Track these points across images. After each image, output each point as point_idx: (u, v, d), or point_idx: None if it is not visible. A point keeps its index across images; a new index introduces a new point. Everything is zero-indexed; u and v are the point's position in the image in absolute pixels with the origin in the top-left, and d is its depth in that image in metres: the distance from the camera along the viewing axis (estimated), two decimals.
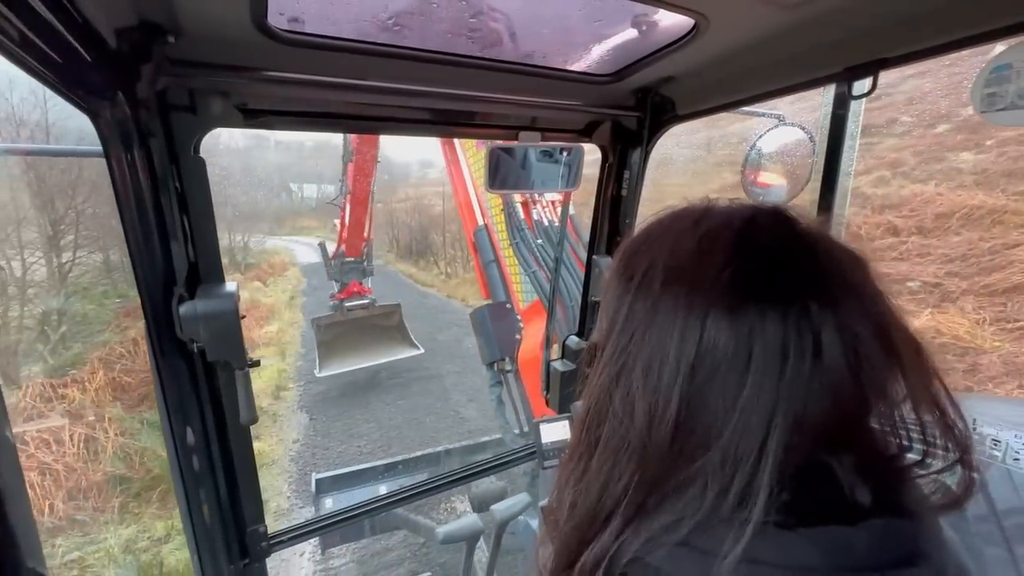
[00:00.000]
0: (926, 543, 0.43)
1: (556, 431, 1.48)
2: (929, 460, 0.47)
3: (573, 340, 1.75)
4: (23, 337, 7.77)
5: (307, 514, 5.45)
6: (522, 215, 3.61)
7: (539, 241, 3.53)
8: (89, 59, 0.75)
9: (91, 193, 8.94)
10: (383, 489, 4.44)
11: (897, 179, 8.43)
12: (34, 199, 8.52)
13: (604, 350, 0.53)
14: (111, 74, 0.81)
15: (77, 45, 0.71)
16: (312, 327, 8.07)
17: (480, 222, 4.03)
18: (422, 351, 8.26)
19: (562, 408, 1.70)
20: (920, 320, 5.67)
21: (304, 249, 26.70)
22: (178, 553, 5.14)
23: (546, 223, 3.60)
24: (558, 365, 1.74)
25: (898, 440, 0.47)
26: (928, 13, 0.82)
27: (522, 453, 1.79)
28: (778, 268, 0.45)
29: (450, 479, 1.62)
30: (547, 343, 1.98)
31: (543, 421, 1.48)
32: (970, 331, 5.52)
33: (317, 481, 4.47)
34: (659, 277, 0.49)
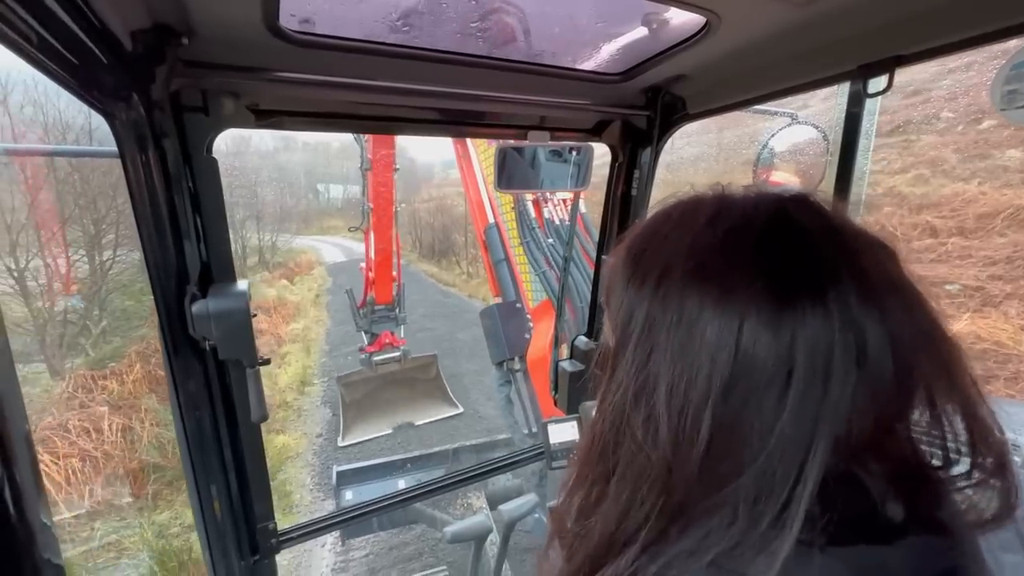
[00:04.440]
0: (965, 562, 0.40)
1: (564, 432, 1.47)
2: (964, 471, 0.43)
3: (582, 340, 1.73)
4: (67, 331, 8.11)
5: (329, 506, 5.56)
6: (533, 214, 3.58)
7: (550, 240, 3.49)
8: (105, 61, 0.76)
9: None
10: (401, 483, 4.53)
11: (937, 177, 8.06)
12: (78, 199, 8.80)
13: (617, 366, 0.47)
14: (126, 76, 0.83)
15: (94, 48, 0.73)
16: (337, 386, 7.11)
17: (491, 220, 4.03)
18: (461, 410, 7.24)
19: (571, 409, 1.69)
20: (959, 325, 5.43)
21: (330, 248, 27.25)
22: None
23: (557, 222, 3.55)
24: (567, 365, 1.73)
25: (931, 451, 0.44)
26: (945, 8, 0.78)
27: (530, 453, 1.78)
28: (815, 263, 0.40)
29: (457, 479, 1.63)
30: (556, 343, 1.97)
31: (551, 422, 1.47)
32: (1013, 337, 5.24)
33: (338, 473, 4.58)
34: (679, 281, 0.43)
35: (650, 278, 0.46)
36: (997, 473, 0.42)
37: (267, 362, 1.13)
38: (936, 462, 0.44)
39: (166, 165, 0.95)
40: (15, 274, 7.90)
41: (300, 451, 7.20)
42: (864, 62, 0.92)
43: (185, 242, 1.01)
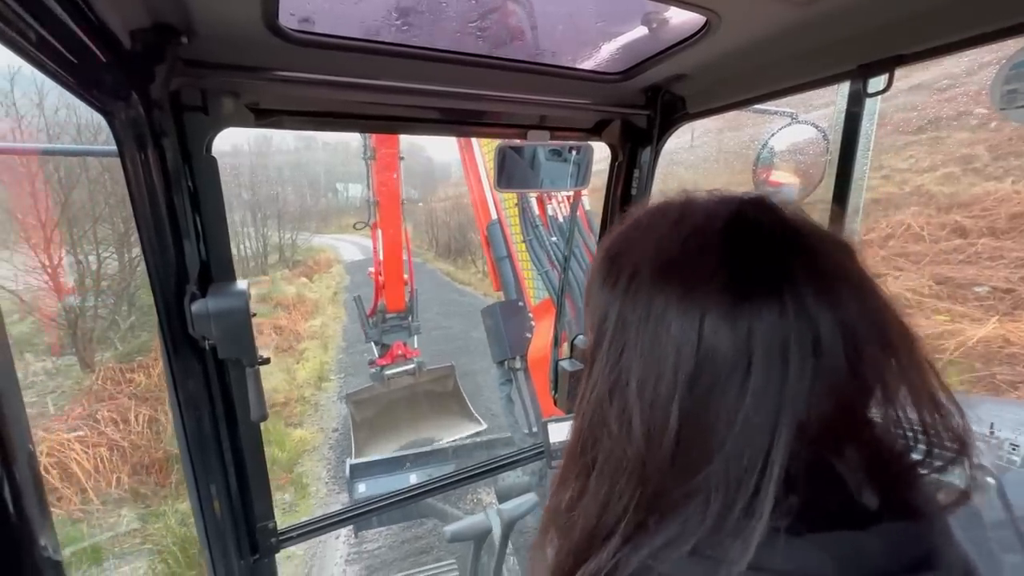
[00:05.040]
0: (939, 545, 0.41)
1: (564, 431, 1.46)
2: (931, 459, 0.45)
3: (581, 340, 1.71)
4: (97, 326, 8.39)
5: (343, 499, 5.71)
6: (536, 211, 3.54)
7: (553, 239, 3.45)
8: (104, 60, 0.77)
9: None
10: (412, 478, 4.58)
11: (968, 176, 7.74)
12: (108, 199, 8.99)
13: (593, 363, 0.49)
14: (126, 75, 0.84)
15: (93, 46, 0.73)
16: (346, 405, 6.41)
17: (494, 216, 4.00)
18: (484, 427, 6.31)
19: (570, 408, 1.68)
20: (986, 328, 5.23)
21: (348, 247, 27.67)
22: None
23: (561, 219, 3.50)
24: (566, 364, 1.72)
25: (901, 438, 0.45)
26: (945, 8, 0.76)
27: (530, 452, 1.78)
28: (771, 261, 0.43)
29: (456, 479, 1.63)
30: (556, 342, 1.96)
31: (551, 421, 1.47)
32: None
33: (351, 467, 4.64)
34: (647, 281, 0.46)
35: (622, 278, 0.48)
36: (959, 457, 0.44)
37: (266, 361, 1.13)
38: (917, 455, 0.46)
39: (166, 164, 0.95)
40: (48, 270, 8.12)
41: (316, 445, 7.35)
42: (864, 61, 0.90)
43: (185, 241, 1.01)
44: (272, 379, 9.31)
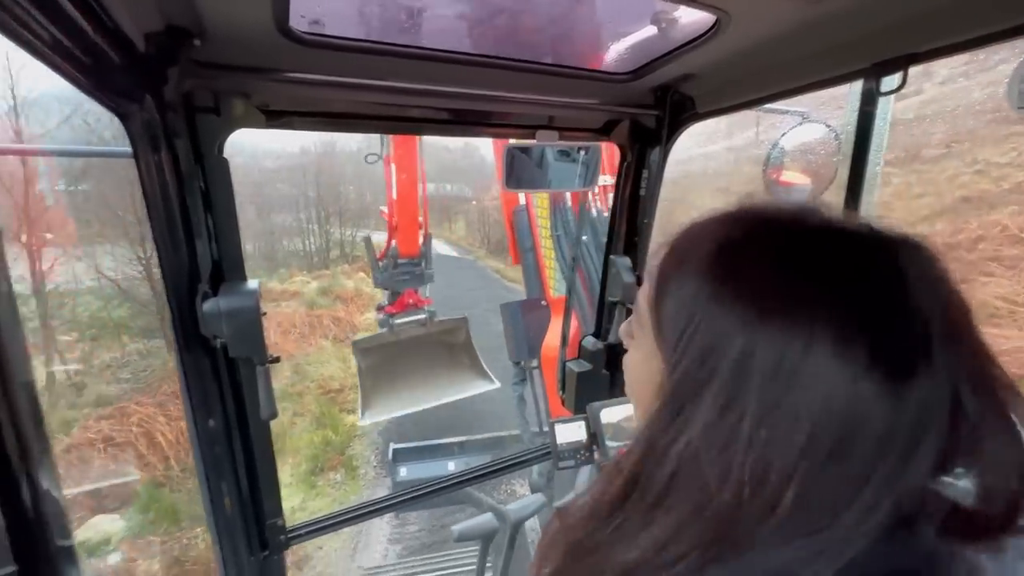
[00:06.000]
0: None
1: (571, 432, 1.46)
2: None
3: (590, 341, 1.72)
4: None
5: (388, 482, 6.22)
6: (570, 203, 3.39)
7: (585, 237, 3.23)
8: (119, 63, 0.77)
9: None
10: (451, 465, 4.85)
11: None
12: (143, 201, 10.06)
13: (687, 404, 0.39)
14: (140, 77, 0.84)
15: (108, 49, 0.74)
16: (353, 354, 5.93)
17: (521, 201, 3.97)
18: (497, 385, 5.80)
19: (578, 409, 1.69)
20: None
21: None
22: (286, 501, 6.06)
23: (595, 213, 3.27)
24: (573, 366, 1.72)
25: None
26: (959, 5, 0.77)
27: (538, 453, 1.79)
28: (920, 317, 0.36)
29: (463, 479, 1.63)
30: (564, 342, 1.96)
31: (558, 421, 1.47)
32: None
33: (394, 451, 4.96)
34: (806, 311, 0.36)
35: (745, 297, 0.39)
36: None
37: (277, 360, 1.13)
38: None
39: (178, 165, 0.96)
40: (143, 262, 9.37)
41: (367, 431, 7.82)
42: (877, 60, 0.90)
43: (197, 241, 1.02)
44: (329, 367, 10.11)
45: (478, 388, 5.66)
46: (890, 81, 0.89)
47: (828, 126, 1.24)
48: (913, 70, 0.87)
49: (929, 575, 0.37)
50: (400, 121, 1.27)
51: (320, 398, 9.38)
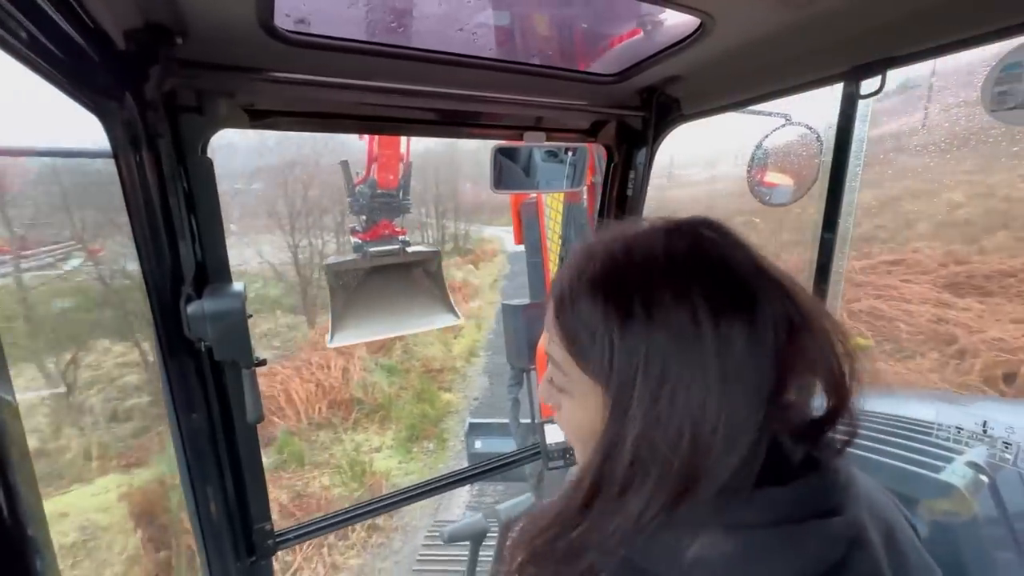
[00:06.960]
0: (839, 498, 0.48)
1: (560, 432, 1.47)
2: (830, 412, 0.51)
3: None
4: (320, 294, 11.48)
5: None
6: (585, 203, 3.36)
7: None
8: (97, 60, 0.76)
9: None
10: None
11: None
12: (334, 195, 11.84)
13: (630, 393, 0.47)
14: (119, 75, 0.83)
15: (86, 47, 0.72)
16: (325, 275, 5.79)
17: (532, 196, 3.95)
18: (461, 320, 5.79)
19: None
20: None
21: (512, 238, 28.60)
22: (382, 462, 7.72)
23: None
24: None
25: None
26: (937, 10, 0.79)
27: (527, 453, 1.79)
28: (738, 280, 0.48)
29: (453, 479, 1.63)
30: None
31: (548, 422, 1.48)
32: None
33: (470, 424, 5.23)
34: (693, 308, 0.46)
35: (657, 305, 0.48)
36: (837, 398, 0.51)
37: (263, 363, 1.11)
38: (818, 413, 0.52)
39: (160, 165, 0.94)
40: (291, 249, 11.93)
41: (459, 408, 9.11)
42: (857, 63, 0.92)
43: (180, 243, 1.00)
44: (432, 348, 11.35)
45: (445, 322, 5.36)
46: (869, 84, 0.91)
47: (810, 128, 1.26)
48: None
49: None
50: (386, 121, 1.26)
51: (423, 376, 10.48)
